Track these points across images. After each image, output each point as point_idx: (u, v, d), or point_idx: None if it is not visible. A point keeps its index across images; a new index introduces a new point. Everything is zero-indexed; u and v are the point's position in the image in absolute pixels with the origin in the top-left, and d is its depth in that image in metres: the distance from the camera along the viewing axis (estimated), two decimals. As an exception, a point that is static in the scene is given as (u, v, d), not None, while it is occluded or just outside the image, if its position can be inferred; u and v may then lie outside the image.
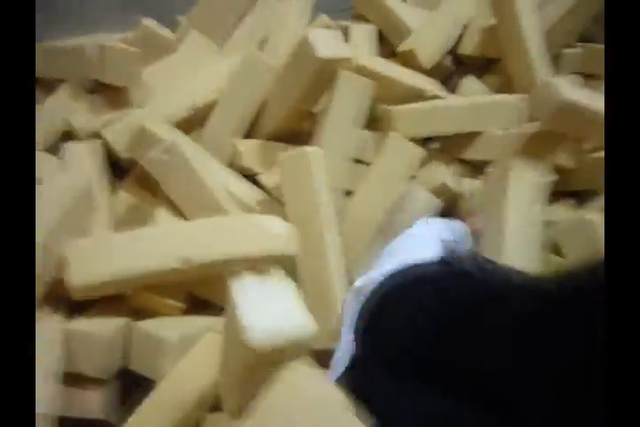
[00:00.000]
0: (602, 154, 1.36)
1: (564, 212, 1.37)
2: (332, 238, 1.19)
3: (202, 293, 1.19)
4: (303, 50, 1.31)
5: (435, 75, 1.83)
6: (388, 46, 1.84)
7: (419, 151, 1.35)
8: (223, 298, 1.11)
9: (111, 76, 1.41)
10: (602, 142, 1.37)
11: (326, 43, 1.31)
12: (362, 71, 1.40)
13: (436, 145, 1.62)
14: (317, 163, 1.20)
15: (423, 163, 1.53)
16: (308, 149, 1.23)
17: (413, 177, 1.47)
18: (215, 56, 1.54)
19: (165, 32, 1.61)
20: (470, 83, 1.69)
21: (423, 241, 1.12)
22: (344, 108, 1.32)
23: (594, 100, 1.31)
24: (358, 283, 1.07)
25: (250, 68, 1.38)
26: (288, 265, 1.18)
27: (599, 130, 1.32)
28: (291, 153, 1.23)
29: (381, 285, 0.91)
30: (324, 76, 1.32)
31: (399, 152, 1.31)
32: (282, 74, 1.37)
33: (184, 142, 1.26)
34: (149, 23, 1.59)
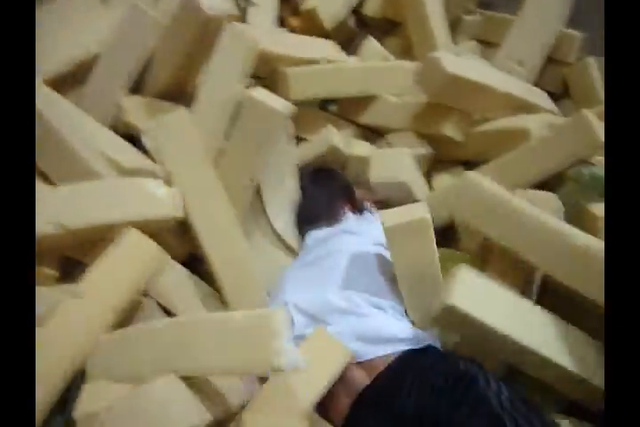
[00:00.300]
0: (488, 126, 1.38)
1: (449, 180, 1.40)
2: (225, 196, 1.19)
3: (79, 255, 1.13)
4: (189, 4, 1.24)
5: (337, 35, 1.80)
6: (291, 3, 1.81)
7: (287, 107, 1.23)
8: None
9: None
10: (486, 113, 1.40)
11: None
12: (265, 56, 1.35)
13: (334, 108, 1.62)
14: (190, 125, 1.19)
15: (318, 126, 1.52)
16: (179, 111, 1.20)
17: (305, 139, 1.46)
18: (99, 7, 1.44)
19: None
20: (371, 45, 1.66)
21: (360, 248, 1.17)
22: (225, 63, 1.26)
23: (479, 72, 1.32)
24: (304, 304, 1.07)
25: (134, 21, 1.29)
26: (172, 228, 1.16)
27: (485, 102, 1.35)
28: (164, 116, 1.19)
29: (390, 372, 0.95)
30: (209, 31, 1.26)
31: (259, 112, 1.21)
32: (168, 28, 1.29)
33: (55, 103, 1.18)
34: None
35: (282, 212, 1.34)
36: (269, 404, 0.90)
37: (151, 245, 1.06)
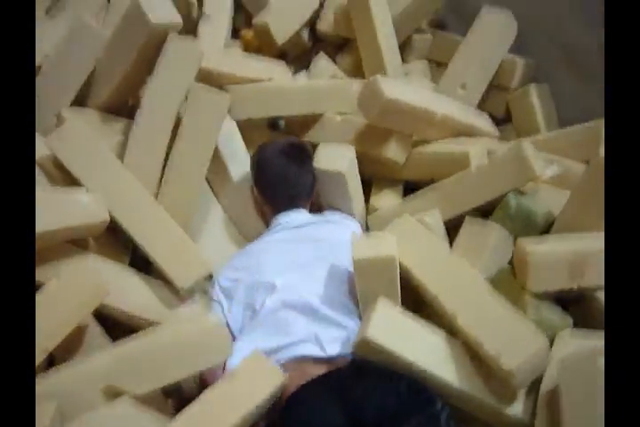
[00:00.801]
0: (428, 148, 1.40)
1: (388, 200, 1.43)
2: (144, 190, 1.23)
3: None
4: (134, 14, 1.24)
5: (291, 49, 1.81)
6: (246, 14, 1.80)
7: (224, 97, 1.29)
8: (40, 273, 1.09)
9: None
10: (427, 136, 1.41)
11: (157, 7, 1.25)
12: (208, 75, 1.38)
13: (282, 123, 1.62)
14: (87, 130, 1.22)
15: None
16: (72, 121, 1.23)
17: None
18: (45, 19, 1.43)
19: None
20: (322, 62, 1.67)
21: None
22: (169, 74, 1.27)
23: (420, 96, 1.34)
24: (288, 296, 1.12)
25: (78, 33, 1.29)
26: (97, 232, 1.18)
27: (425, 125, 1.37)
28: (59, 131, 1.21)
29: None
30: (154, 42, 1.26)
31: (204, 102, 1.27)
32: (112, 40, 1.29)
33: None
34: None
35: (233, 199, 1.38)
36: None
37: (93, 277, 1.07)
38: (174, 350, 1.00)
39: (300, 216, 1.29)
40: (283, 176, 1.30)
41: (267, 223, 1.36)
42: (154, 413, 0.96)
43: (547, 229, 1.17)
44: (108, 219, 1.16)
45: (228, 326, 1.15)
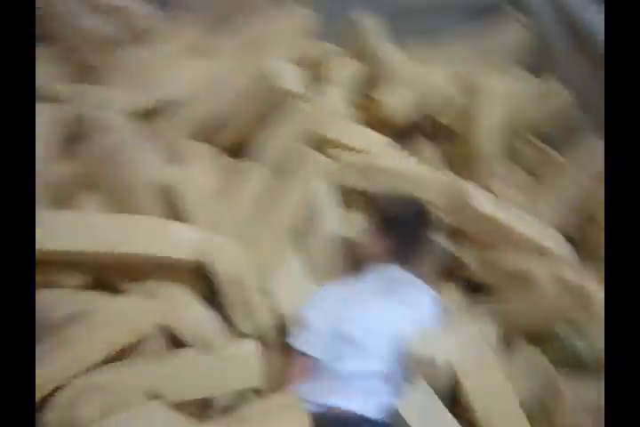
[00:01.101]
0: (496, 255, 1.46)
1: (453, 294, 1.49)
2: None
3: (107, 275, 1.26)
4: (262, 78, 1.41)
5: (398, 124, 1.87)
6: (370, 82, 1.87)
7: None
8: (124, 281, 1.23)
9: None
10: (500, 246, 1.46)
11: (283, 74, 1.42)
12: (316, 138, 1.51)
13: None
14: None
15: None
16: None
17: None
18: (198, 52, 1.57)
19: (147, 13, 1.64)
20: (423, 145, 1.77)
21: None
22: (281, 130, 1.42)
23: (503, 211, 1.42)
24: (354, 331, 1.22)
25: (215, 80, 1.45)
26: (186, 266, 1.26)
27: (502, 238, 1.44)
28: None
29: None
30: (275, 102, 1.42)
31: (303, 162, 1.41)
32: (241, 94, 1.44)
33: (129, 137, 1.32)
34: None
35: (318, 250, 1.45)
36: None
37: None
38: (210, 369, 1.15)
39: (404, 274, 1.37)
40: (412, 233, 1.39)
41: (358, 265, 1.43)
42: (182, 417, 1.06)
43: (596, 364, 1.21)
44: (195, 259, 1.25)
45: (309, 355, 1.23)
